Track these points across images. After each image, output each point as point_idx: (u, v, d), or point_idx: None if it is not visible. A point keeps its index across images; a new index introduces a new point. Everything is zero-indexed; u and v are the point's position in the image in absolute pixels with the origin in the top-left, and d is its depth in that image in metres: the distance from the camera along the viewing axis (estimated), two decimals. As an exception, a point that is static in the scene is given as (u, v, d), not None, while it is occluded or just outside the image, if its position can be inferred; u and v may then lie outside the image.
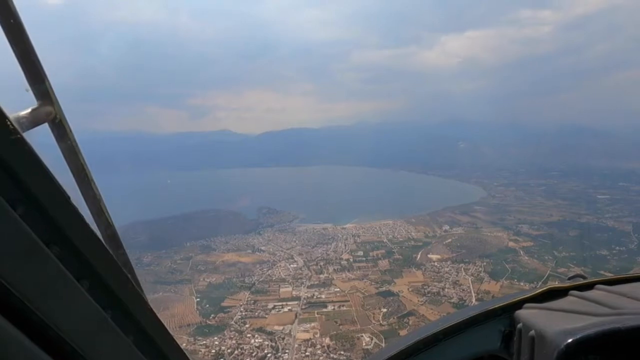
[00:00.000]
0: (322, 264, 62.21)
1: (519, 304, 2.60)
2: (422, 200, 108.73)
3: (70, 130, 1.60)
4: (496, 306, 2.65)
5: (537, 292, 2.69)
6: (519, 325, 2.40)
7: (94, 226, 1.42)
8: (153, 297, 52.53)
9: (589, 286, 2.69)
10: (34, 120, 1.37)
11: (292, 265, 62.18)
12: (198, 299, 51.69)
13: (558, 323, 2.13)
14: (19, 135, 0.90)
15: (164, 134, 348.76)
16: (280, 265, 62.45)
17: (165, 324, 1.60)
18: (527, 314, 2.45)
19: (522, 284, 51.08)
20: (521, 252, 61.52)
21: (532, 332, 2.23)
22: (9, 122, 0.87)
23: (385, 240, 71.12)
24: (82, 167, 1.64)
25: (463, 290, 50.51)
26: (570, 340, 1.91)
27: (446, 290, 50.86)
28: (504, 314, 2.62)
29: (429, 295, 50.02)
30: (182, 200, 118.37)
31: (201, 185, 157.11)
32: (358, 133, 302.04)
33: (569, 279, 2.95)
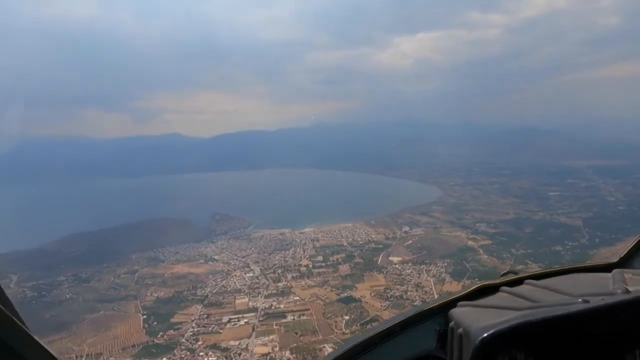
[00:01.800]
0: (280, 271, 59.38)
1: (453, 303, 2.68)
2: (381, 201, 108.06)
3: None
4: (432, 306, 2.76)
5: (470, 289, 2.85)
6: (451, 324, 2.44)
7: None
8: (93, 317, 47.32)
9: (519, 281, 2.84)
10: None
11: (248, 275, 58.84)
12: (145, 316, 46.94)
13: (485, 319, 2.15)
14: None
15: (105, 139, 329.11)
16: (235, 275, 58.88)
17: (48, 349, 1.44)
18: (459, 312, 2.49)
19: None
20: (480, 251, 61.91)
21: (460, 330, 2.25)
22: None
23: (345, 243, 69.47)
24: None
25: (425, 292, 49.61)
26: (485, 335, 1.94)
27: (409, 293, 49.65)
28: (440, 314, 2.69)
29: (392, 299, 48.58)
30: (126, 209, 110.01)
31: (147, 192, 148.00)
32: (314, 135, 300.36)
33: (502, 275, 3.08)
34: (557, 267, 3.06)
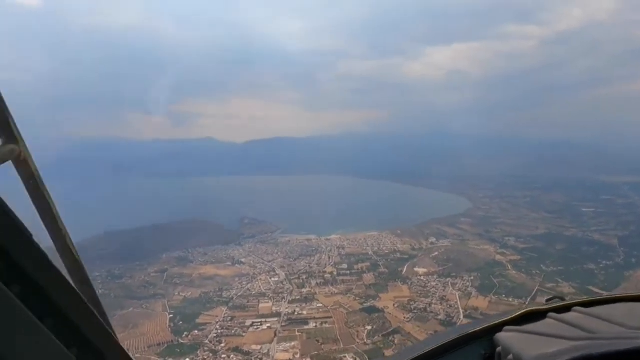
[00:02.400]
0: (304, 277, 59.61)
1: (499, 327, 2.61)
2: (408, 211, 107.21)
3: (36, 168, 1.58)
4: (477, 329, 2.67)
5: (516, 314, 2.74)
6: (498, 349, 2.40)
7: (59, 262, 1.57)
8: (122, 313, 49.09)
9: (567, 308, 2.73)
10: None
11: (273, 279, 59.40)
12: (171, 315, 48.33)
13: (534, 347, 2.13)
14: None
15: (144, 141, 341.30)
16: (260, 279, 59.60)
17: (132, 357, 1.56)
18: (506, 338, 2.43)
19: (510, 299, 49.64)
20: (509, 266, 60.18)
21: (510, 357, 2.21)
22: None
23: (370, 252, 69.00)
24: (47, 204, 1.62)
25: (450, 306, 48.57)
26: None
27: (433, 306, 48.81)
28: (484, 337, 2.61)
29: (416, 311, 47.85)
30: (159, 209, 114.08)
31: (181, 194, 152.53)
32: (344, 143, 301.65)
33: (547, 300, 2.97)
34: (606, 295, 2.95)
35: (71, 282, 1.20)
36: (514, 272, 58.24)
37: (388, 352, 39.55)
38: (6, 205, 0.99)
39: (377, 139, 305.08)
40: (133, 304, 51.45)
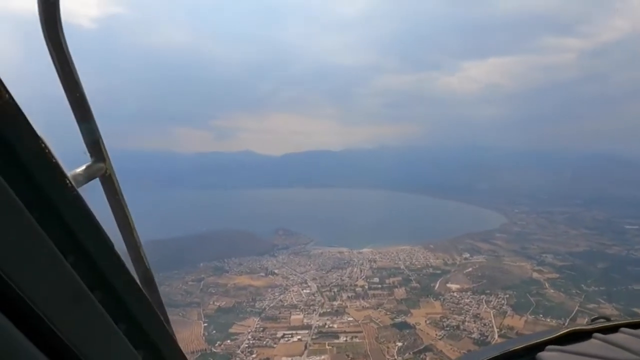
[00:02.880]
0: (335, 290, 59.98)
1: (541, 346, 2.52)
2: (442, 225, 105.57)
3: (118, 184, 1.79)
4: (518, 347, 2.58)
5: (559, 333, 2.63)
6: None
7: (132, 270, 1.74)
8: (160, 320, 51.11)
9: (613, 329, 2.63)
10: (87, 176, 1.55)
11: (305, 291, 60.11)
12: (205, 324, 49.99)
13: None
14: (75, 192, 1.03)
15: (188, 154, 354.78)
16: (292, 290, 60.50)
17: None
18: (549, 357, 2.35)
19: (548, 320, 47.72)
20: (546, 285, 58.07)
21: None
22: (68, 181, 1.00)
23: (402, 266, 68.37)
24: (126, 217, 1.82)
25: (484, 324, 47.27)
26: None
27: (466, 324, 47.69)
28: (525, 356, 2.53)
29: (448, 329, 46.93)
30: (199, 220, 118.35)
31: (219, 205, 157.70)
32: (378, 156, 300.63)
33: (593, 320, 2.87)
34: None
35: (143, 290, 1.36)
36: (552, 290, 56.07)
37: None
38: (95, 219, 1.10)
39: (412, 153, 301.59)
40: (170, 311, 51.15)
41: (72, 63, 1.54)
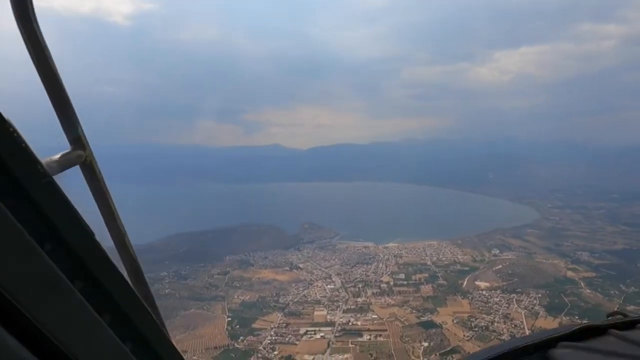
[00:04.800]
0: (360, 286, 59.05)
1: (552, 342, 2.45)
2: (470, 220, 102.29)
3: (99, 172, 1.74)
4: (528, 343, 2.48)
5: (573, 329, 2.55)
6: None
7: (118, 260, 1.70)
8: (185, 313, 52.02)
9: (630, 325, 2.55)
10: (65, 163, 1.51)
11: (329, 286, 59.51)
12: (229, 319, 50.20)
13: None
14: (49, 179, 1.01)
15: (218, 148, 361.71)
16: (316, 286, 60.03)
17: (182, 353, 1.66)
18: (561, 354, 2.30)
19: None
20: (582, 284, 55.06)
21: None
22: (40, 167, 0.99)
23: (429, 262, 66.66)
24: (109, 205, 1.76)
25: (515, 326, 45.11)
26: None
27: (496, 324, 45.64)
28: (536, 353, 2.46)
29: (476, 329, 45.08)
30: (227, 213, 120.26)
31: (247, 199, 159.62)
32: (406, 149, 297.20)
33: (608, 316, 2.76)
34: None
35: (128, 280, 1.28)
36: (587, 291, 53.11)
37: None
38: (72, 206, 1.06)
39: (440, 146, 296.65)
40: (195, 305, 54.24)
41: (47, 49, 1.48)
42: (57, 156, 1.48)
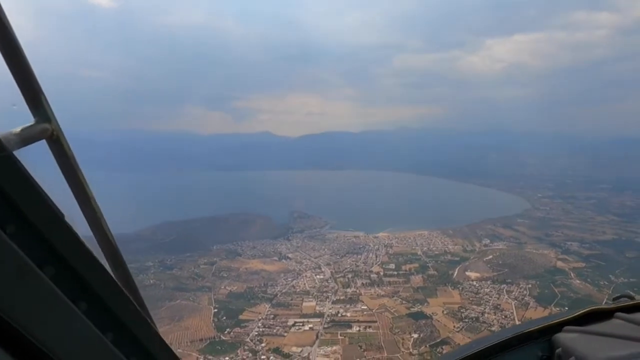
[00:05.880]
0: (350, 276, 58.24)
1: (557, 327, 2.46)
2: (461, 210, 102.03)
3: (69, 147, 1.55)
4: (533, 329, 2.50)
5: (578, 313, 2.56)
6: (558, 350, 2.26)
7: (94, 245, 1.56)
8: (170, 304, 50.62)
9: (636, 308, 2.53)
10: (28, 138, 1.36)
11: (318, 277, 58.64)
12: (215, 310, 49.02)
13: (601, 349, 2.02)
14: (7, 153, 0.94)
15: (207, 135, 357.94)
16: (305, 276, 59.09)
17: (169, 344, 1.60)
18: (567, 338, 2.29)
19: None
20: (571, 274, 55.06)
21: (572, 359, 2.10)
22: None
23: (419, 252, 66.03)
24: (81, 184, 1.61)
25: (505, 316, 44.77)
26: None
27: (486, 315, 45.29)
28: (541, 338, 2.47)
29: (467, 320, 44.66)
30: (216, 202, 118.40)
31: (236, 187, 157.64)
32: (397, 138, 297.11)
33: (615, 299, 2.75)
34: None
35: (106, 266, 1.24)
36: (577, 281, 53.07)
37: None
38: (38, 186, 0.98)
39: (432, 135, 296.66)
40: (181, 296, 52.89)
41: (2, 9, 1.31)
42: (18, 129, 1.30)
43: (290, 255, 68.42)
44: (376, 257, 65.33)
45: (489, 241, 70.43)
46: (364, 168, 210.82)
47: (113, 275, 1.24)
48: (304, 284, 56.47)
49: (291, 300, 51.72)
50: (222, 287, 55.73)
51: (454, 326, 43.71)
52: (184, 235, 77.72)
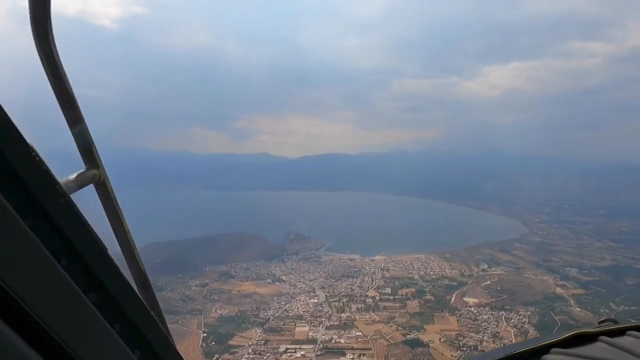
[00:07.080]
0: (345, 300, 56.74)
1: (545, 349, 2.53)
2: (459, 233, 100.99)
3: (112, 189, 1.84)
4: (522, 350, 2.57)
5: (565, 336, 2.62)
6: None
7: (128, 273, 1.81)
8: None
9: (620, 332, 2.61)
10: (81, 182, 1.60)
11: (312, 300, 57.08)
12: (205, 334, 47.26)
13: None
14: (66, 198, 1.12)
15: (206, 154, 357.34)
16: (299, 300, 57.54)
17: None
18: None
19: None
20: (571, 301, 53.96)
21: None
22: (58, 187, 1.09)
23: (416, 277, 64.67)
24: (120, 222, 1.86)
25: (505, 345, 43.03)
26: None
27: (484, 344, 43.69)
28: (530, 359, 2.53)
29: (465, 349, 43.04)
30: (211, 222, 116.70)
31: (233, 207, 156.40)
32: (394, 161, 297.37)
33: (600, 323, 2.84)
34: None
35: (136, 290, 1.37)
36: (577, 309, 51.86)
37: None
38: (87, 223, 1.16)
39: (429, 158, 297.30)
40: (169, 319, 50.16)
41: (63, 69, 1.57)
42: (74, 176, 1.55)
43: (284, 277, 66.87)
44: (372, 280, 63.86)
45: (486, 266, 69.28)
46: (361, 190, 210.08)
47: (143, 300, 1.40)
48: (298, 307, 54.90)
49: (283, 325, 50.07)
50: (213, 310, 54.03)
51: (452, 355, 42.16)
52: (176, 255, 75.98)
